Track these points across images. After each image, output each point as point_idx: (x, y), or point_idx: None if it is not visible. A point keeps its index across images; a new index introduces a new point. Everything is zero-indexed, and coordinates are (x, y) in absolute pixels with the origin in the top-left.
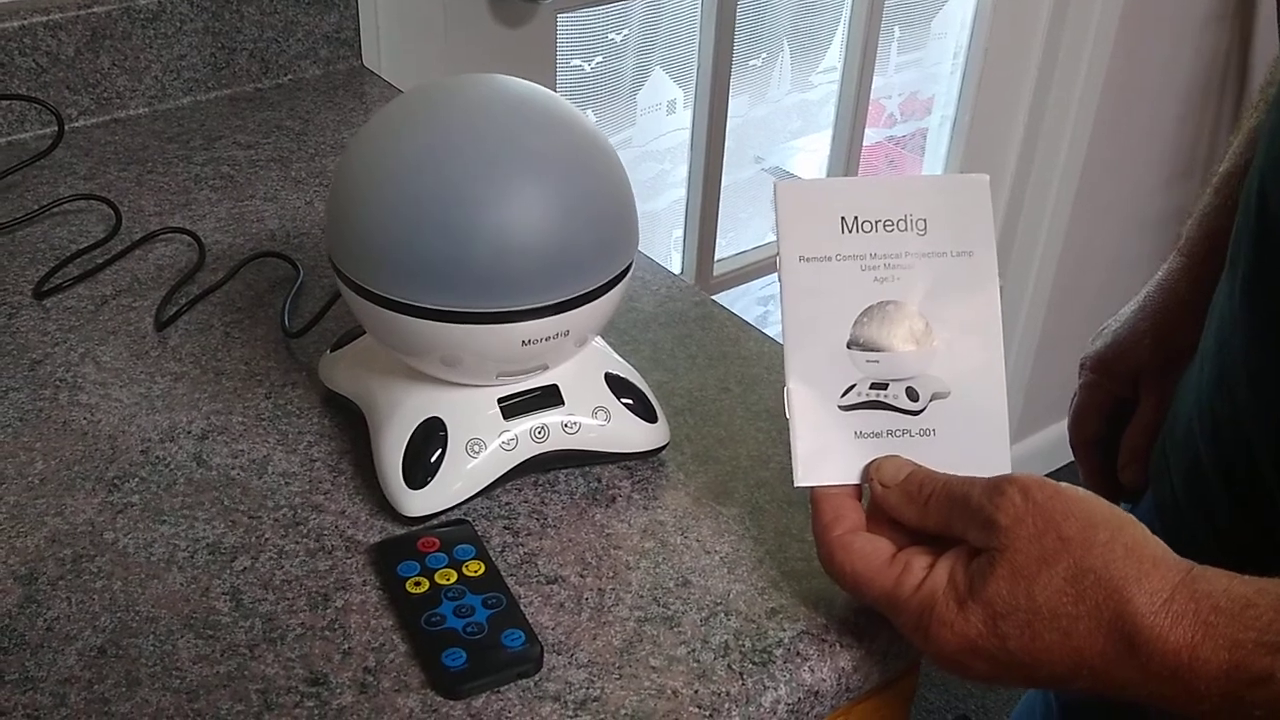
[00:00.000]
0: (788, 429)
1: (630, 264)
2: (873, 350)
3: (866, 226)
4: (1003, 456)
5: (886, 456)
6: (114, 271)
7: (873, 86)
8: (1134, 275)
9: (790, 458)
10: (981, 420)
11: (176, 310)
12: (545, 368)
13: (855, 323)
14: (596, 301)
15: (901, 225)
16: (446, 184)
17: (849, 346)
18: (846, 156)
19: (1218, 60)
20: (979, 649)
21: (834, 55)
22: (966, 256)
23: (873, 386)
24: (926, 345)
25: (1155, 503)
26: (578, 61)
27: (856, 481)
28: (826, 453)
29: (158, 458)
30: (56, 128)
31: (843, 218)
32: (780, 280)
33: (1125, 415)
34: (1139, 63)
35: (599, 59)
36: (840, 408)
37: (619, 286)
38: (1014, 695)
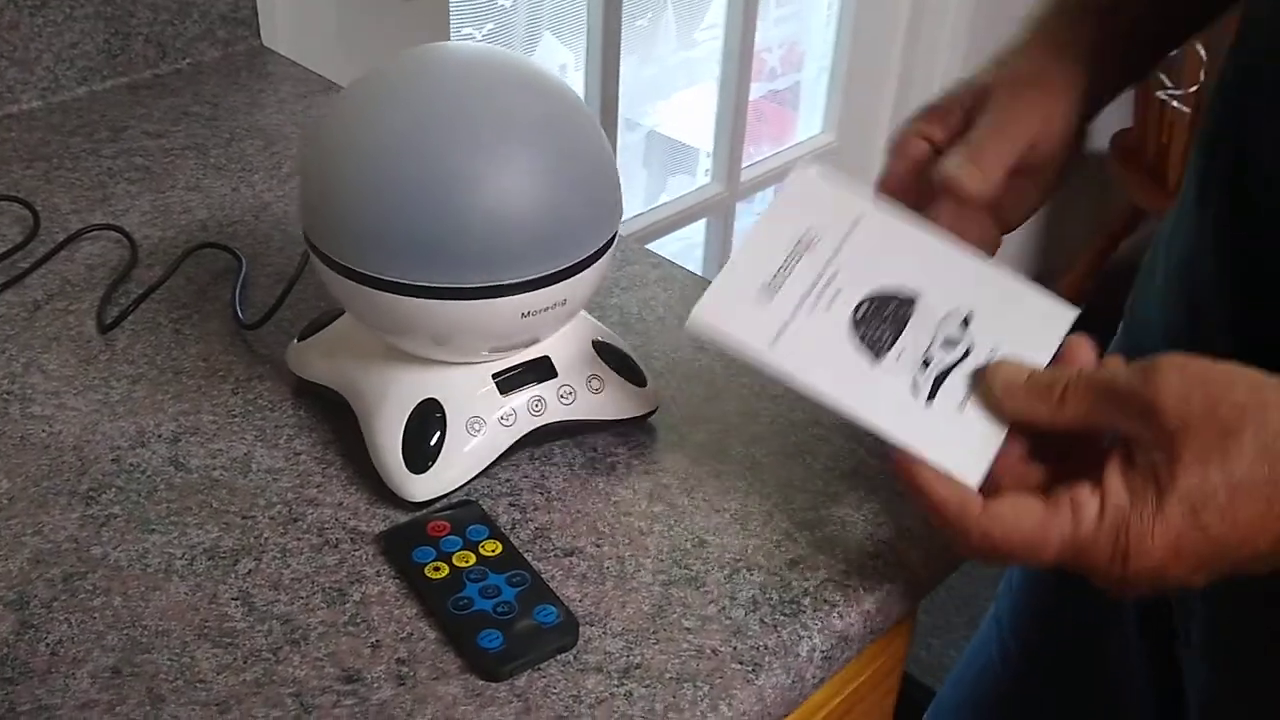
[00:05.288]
0: (773, 384)
1: (619, 227)
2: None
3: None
4: (1056, 314)
5: (999, 362)
6: (42, 275)
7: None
8: None
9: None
10: (1011, 299)
11: (121, 311)
12: (536, 340)
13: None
14: (593, 267)
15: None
16: (436, 157)
17: (896, 359)
18: (734, 112)
19: None
20: (1183, 550)
21: (716, 11)
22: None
23: (924, 364)
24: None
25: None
26: (469, 29)
27: (986, 468)
28: (964, 450)
29: (131, 465)
30: None
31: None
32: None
33: None
34: (1004, 2)
35: (490, 26)
36: (926, 402)
37: (610, 250)
38: (957, 648)
